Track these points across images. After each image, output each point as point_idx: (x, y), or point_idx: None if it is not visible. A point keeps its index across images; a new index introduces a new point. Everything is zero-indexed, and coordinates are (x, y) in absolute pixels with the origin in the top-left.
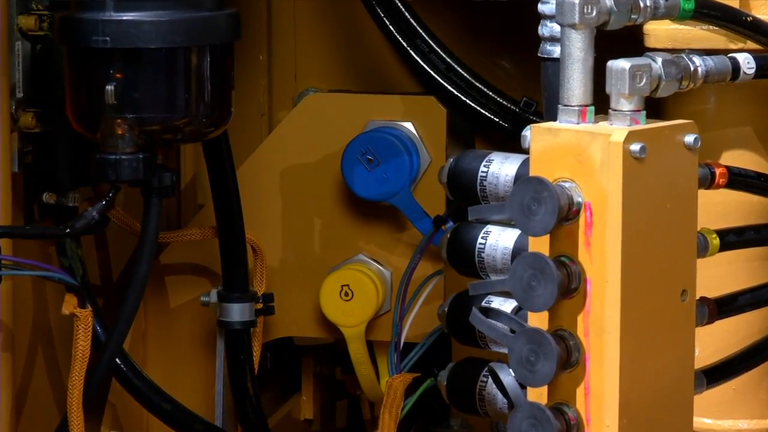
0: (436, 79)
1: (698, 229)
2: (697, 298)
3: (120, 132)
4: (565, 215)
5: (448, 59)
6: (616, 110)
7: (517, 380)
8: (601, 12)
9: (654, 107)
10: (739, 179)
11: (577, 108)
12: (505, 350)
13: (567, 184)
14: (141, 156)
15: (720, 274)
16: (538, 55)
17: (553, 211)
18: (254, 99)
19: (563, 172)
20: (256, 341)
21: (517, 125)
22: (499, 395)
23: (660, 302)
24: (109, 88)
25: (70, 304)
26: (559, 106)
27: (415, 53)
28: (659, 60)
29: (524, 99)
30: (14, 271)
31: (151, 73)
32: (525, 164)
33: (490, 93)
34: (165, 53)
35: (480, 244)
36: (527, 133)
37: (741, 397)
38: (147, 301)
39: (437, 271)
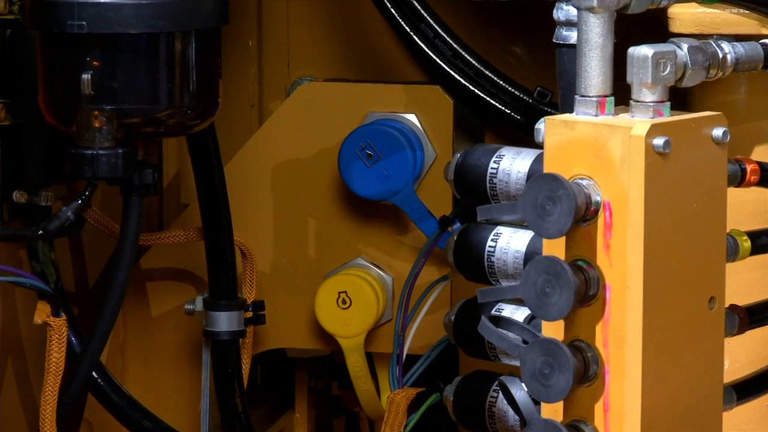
0: (442, 67)
1: (728, 231)
2: (727, 305)
3: (97, 125)
4: (583, 216)
5: (455, 45)
6: (637, 101)
7: (530, 395)
8: None
9: (679, 98)
10: None
11: (595, 99)
12: (517, 363)
13: (584, 182)
14: (120, 151)
15: (751, 279)
16: (553, 41)
17: (569, 211)
18: (243, 89)
19: (580, 168)
20: (246, 353)
21: (530, 117)
22: (511, 412)
23: (686, 310)
24: (86, 76)
25: (42, 313)
26: (576, 96)
27: (418, 39)
28: (685, 46)
29: (538, 89)
30: None
31: (131, 60)
32: (539, 160)
33: (501, 82)
34: (146, 39)
35: (490, 247)
36: (541, 126)
37: None
38: (126, 309)
39: (443, 277)
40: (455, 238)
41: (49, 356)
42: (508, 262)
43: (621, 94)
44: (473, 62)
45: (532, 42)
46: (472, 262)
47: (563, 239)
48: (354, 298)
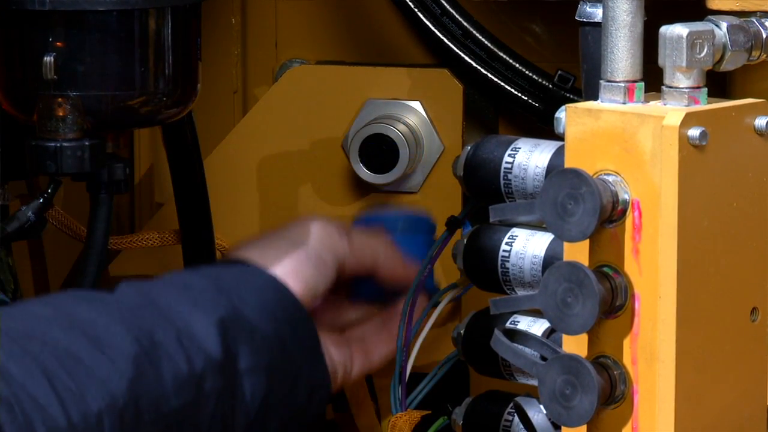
0: (451, 47)
1: None
2: None
3: (61, 113)
4: (608, 216)
5: (466, 23)
6: (670, 87)
7: (549, 419)
8: None
9: (718, 83)
10: None
11: (623, 84)
12: (534, 382)
13: (611, 178)
14: (87, 143)
15: None
16: (576, 18)
17: (594, 211)
18: (225, 72)
19: (606, 163)
20: None
21: (549, 105)
22: None
23: (725, 323)
24: (48, 59)
25: None
26: (601, 81)
27: (424, 16)
28: (724, 25)
29: (559, 72)
30: None
31: (99, 41)
32: (559, 153)
33: (517, 65)
34: (116, 17)
35: (504, 251)
36: (562, 114)
37: None
38: None
39: (451, 285)
40: (465, 241)
41: None
42: (525, 269)
43: (652, 79)
44: (486, 42)
45: (553, 20)
46: (484, 268)
47: (586, 243)
48: None
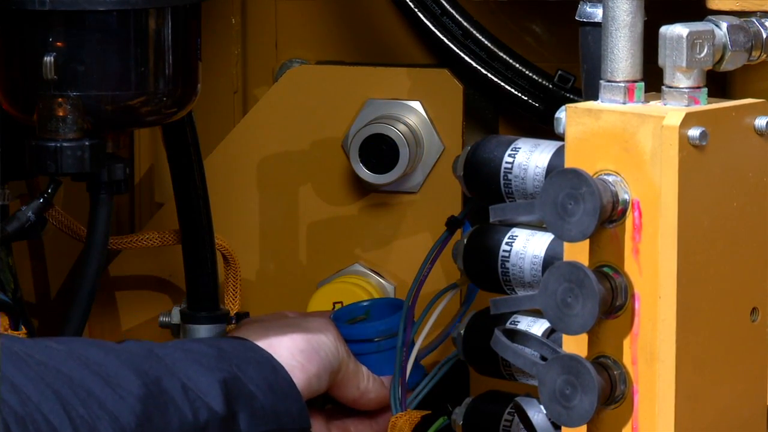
0: (451, 47)
1: None
2: None
3: (61, 113)
4: (609, 216)
5: (466, 23)
6: (671, 87)
7: (549, 419)
8: None
9: (718, 83)
10: None
11: (623, 84)
12: (534, 382)
13: (611, 178)
14: (87, 143)
15: None
16: (576, 18)
17: (594, 211)
18: (226, 72)
19: (606, 163)
20: None
21: (549, 105)
22: None
23: (725, 323)
24: (48, 59)
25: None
26: (601, 81)
27: (424, 16)
28: (724, 25)
29: (559, 72)
30: None
31: (99, 41)
32: (559, 153)
33: (517, 65)
34: (116, 17)
35: (504, 251)
36: (562, 114)
37: None
38: (93, 321)
39: (451, 285)
40: (465, 241)
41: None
42: (525, 269)
43: (652, 79)
44: (486, 42)
45: (553, 20)
46: (484, 268)
47: (586, 243)
48: None
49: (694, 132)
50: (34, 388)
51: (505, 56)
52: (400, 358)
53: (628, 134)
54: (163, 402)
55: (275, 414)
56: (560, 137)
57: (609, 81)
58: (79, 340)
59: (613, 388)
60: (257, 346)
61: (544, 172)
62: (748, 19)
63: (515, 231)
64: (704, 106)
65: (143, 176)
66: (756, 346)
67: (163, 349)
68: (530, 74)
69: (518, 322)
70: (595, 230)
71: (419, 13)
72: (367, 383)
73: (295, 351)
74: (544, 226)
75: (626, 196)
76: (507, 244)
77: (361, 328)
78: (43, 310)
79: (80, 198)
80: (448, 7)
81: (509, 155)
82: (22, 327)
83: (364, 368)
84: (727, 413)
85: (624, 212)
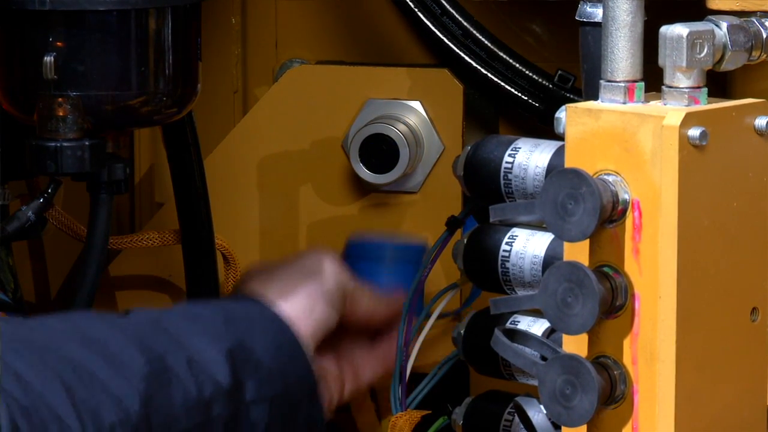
0: (451, 47)
1: None
2: None
3: (61, 113)
4: (609, 216)
5: (466, 23)
6: (671, 87)
7: (549, 419)
8: None
9: (718, 83)
10: None
11: (623, 84)
12: (534, 382)
13: (611, 178)
14: (87, 143)
15: None
16: (576, 18)
17: (594, 211)
18: (226, 72)
19: (606, 162)
20: None
21: (549, 105)
22: None
23: (725, 323)
24: (48, 59)
25: None
26: (601, 81)
27: (424, 16)
28: (724, 25)
29: (559, 72)
30: None
31: (99, 41)
32: (559, 153)
33: (517, 65)
34: (116, 17)
35: (504, 251)
36: (562, 114)
37: None
38: None
39: (452, 285)
40: (465, 241)
41: None
42: (525, 269)
43: (652, 79)
44: (486, 42)
45: (553, 19)
46: (484, 268)
47: (587, 243)
48: None
49: (694, 132)
50: (37, 376)
51: (505, 56)
52: (400, 358)
53: (628, 134)
54: (167, 379)
55: (282, 377)
56: (560, 137)
57: (609, 81)
58: (83, 315)
59: (613, 388)
60: (264, 304)
61: (544, 172)
62: (748, 19)
63: (515, 231)
64: (704, 106)
65: (143, 176)
66: (756, 346)
67: (170, 318)
68: (530, 74)
69: (518, 322)
70: (595, 230)
71: (419, 13)
72: (374, 302)
73: (300, 300)
74: (544, 226)
75: (626, 196)
76: (507, 244)
77: (372, 248)
78: (43, 310)
79: (80, 198)
80: (448, 7)
81: (509, 155)
82: None
83: (369, 288)
84: (727, 413)
85: (624, 212)
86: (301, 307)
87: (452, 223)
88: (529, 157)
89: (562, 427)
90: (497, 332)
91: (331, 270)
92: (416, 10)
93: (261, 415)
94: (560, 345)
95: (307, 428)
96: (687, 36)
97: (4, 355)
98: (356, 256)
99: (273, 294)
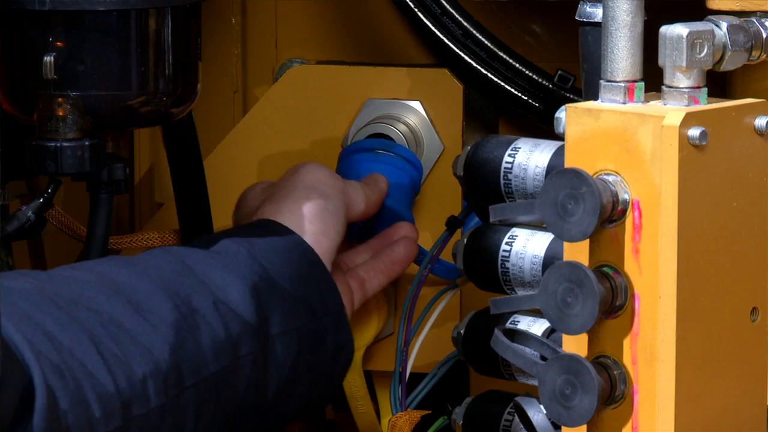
0: (451, 47)
1: None
2: None
3: (61, 113)
4: (609, 216)
5: (466, 23)
6: (670, 87)
7: (549, 419)
8: None
9: (718, 83)
10: None
11: (623, 84)
12: (534, 382)
13: (611, 178)
14: (87, 143)
15: None
16: (576, 18)
17: (594, 211)
18: (226, 72)
19: (606, 162)
20: None
21: (549, 105)
22: None
23: (725, 323)
24: (48, 59)
25: None
26: (601, 81)
27: (424, 16)
28: (724, 25)
29: (559, 72)
30: None
31: (99, 41)
32: (559, 153)
33: (517, 65)
34: (116, 17)
35: (504, 251)
36: (562, 114)
37: None
38: None
39: (451, 285)
40: (465, 241)
41: None
42: (525, 269)
43: (652, 79)
44: (486, 42)
45: (553, 19)
46: (484, 268)
47: (586, 243)
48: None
49: (694, 132)
50: (67, 332)
51: (505, 56)
52: (400, 358)
53: (628, 134)
54: (194, 323)
55: (307, 305)
56: (560, 137)
57: (609, 81)
58: (110, 262)
59: (613, 388)
60: (286, 229)
61: (544, 172)
62: (748, 19)
63: (515, 231)
64: (704, 106)
65: (143, 176)
66: (756, 346)
67: (194, 255)
68: (530, 74)
69: (518, 322)
70: (595, 230)
71: (419, 13)
72: (365, 193)
73: (314, 222)
74: (544, 226)
75: (626, 196)
76: (507, 244)
77: (361, 143)
78: None
79: (80, 198)
80: (448, 7)
81: (509, 155)
82: None
83: (356, 183)
84: (727, 413)
85: (624, 212)
86: (316, 229)
87: (452, 223)
88: (529, 157)
89: (562, 427)
90: (497, 332)
91: (328, 182)
92: (416, 10)
93: (288, 348)
94: (560, 345)
95: (334, 357)
96: (687, 36)
97: (34, 314)
98: (347, 154)
99: (285, 218)
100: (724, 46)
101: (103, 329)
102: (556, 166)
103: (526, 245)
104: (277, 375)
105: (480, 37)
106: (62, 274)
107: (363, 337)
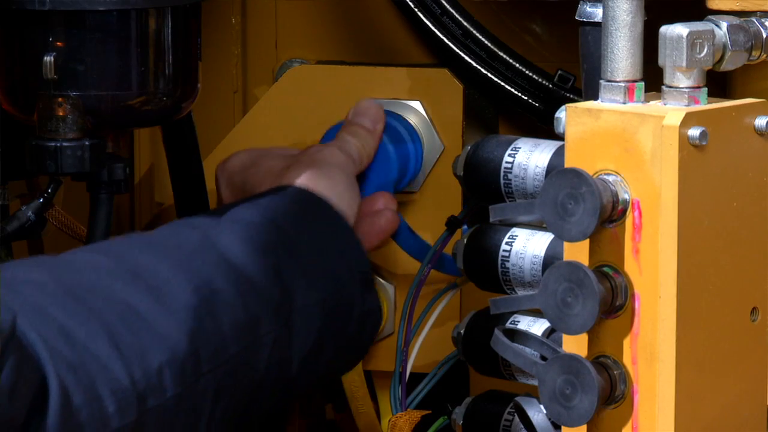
0: (451, 47)
1: None
2: None
3: (61, 113)
4: (609, 216)
5: (466, 23)
6: (671, 87)
7: (549, 419)
8: None
9: (718, 83)
10: None
11: (623, 84)
12: (534, 382)
13: (611, 178)
14: (87, 143)
15: None
16: (576, 18)
17: (594, 211)
18: (226, 72)
19: (606, 162)
20: None
21: (549, 104)
22: None
23: (725, 323)
24: (48, 59)
25: None
26: (601, 81)
27: (424, 15)
28: (724, 25)
29: (559, 72)
30: None
31: (99, 41)
32: (559, 153)
33: (517, 65)
34: (116, 17)
35: (504, 251)
36: (562, 114)
37: None
38: None
39: (451, 285)
40: (465, 241)
41: None
42: (525, 269)
43: (652, 79)
44: (486, 42)
45: (553, 19)
46: (484, 268)
47: (586, 243)
48: None
49: (694, 132)
50: (82, 326)
51: (505, 56)
52: (400, 358)
53: (628, 134)
54: (214, 306)
55: (333, 274)
56: (560, 137)
57: (609, 81)
58: (130, 242)
59: (613, 388)
60: (315, 199)
61: (544, 172)
62: (748, 19)
63: (515, 231)
64: (704, 105)
65: (143, 176)
66: (756, 346)
67: (217, 228)
68: (530, 74)
69: (518, 322)
70: (595, 230)
71: (419, 13)
72: (360, 140)
73: (341, 194)
74: (544, 226)
75: (626, 196)
76: (507, 244)
77: None
78: None
79: (80, 198)
80: (448, 6)
81: (509, 155)
82: None
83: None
84: (727, 413)
85: (624, 212)
86: (345, 202)
87: (452, 223)
88: (529, 157)
89: (562, 427)
90: (497, 332)
91: (327, 150)
92: (416, 10)
93: (312, 321)
94: (560, 345)
95: (361, 323)
96: (687, 36)
97: (49, 308)
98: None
99: (320, 184)
100: (724, 46)
101: (120, 319)
102: (556, 166)
103: (526, 245)
104: (300, 349)
105: (480, 37)
106: (81, 258)
107: None
